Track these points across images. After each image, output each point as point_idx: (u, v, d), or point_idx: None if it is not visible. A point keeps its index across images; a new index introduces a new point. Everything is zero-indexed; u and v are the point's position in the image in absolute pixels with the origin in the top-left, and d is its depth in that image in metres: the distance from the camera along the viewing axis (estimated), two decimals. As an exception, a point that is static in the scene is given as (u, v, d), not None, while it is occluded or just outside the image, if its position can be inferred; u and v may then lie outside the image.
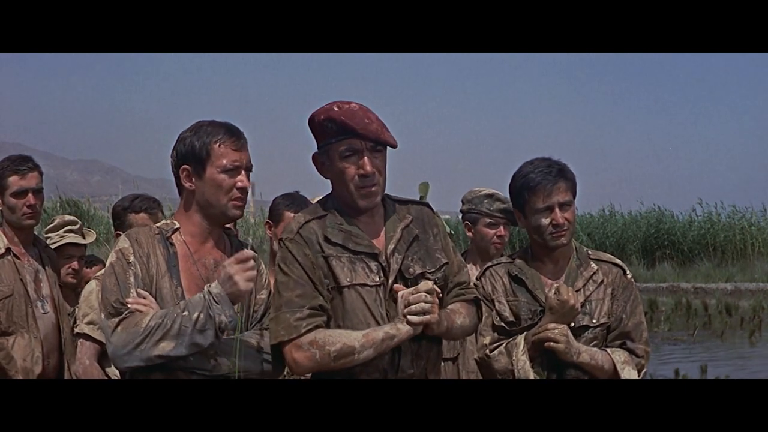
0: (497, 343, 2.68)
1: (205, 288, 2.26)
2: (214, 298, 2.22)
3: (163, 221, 2.46)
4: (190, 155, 2.32)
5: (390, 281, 2.37)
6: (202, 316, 2.20)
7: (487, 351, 2.67)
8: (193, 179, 2.34)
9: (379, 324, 2.31)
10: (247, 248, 2.37)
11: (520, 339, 2.63)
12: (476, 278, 2.78)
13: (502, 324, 2.70)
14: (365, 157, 2.32)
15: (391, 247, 2.39)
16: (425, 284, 2.32)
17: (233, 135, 2.35)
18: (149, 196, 3.58)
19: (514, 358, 2.61)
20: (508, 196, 2.86)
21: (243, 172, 2.34)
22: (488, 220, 3.55)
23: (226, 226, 2.50)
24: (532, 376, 2.59)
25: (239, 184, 2.33)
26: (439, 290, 2.36)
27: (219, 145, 2.31)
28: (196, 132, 2.34)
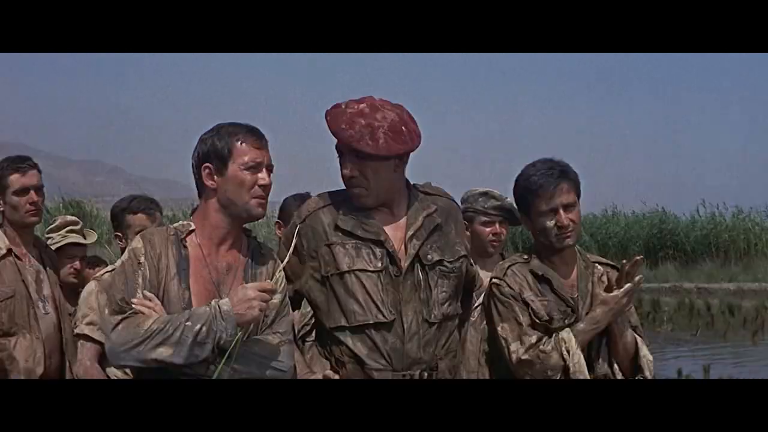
0: (543, 340, 2.64)
1: (214, 302, 2.26)
2: (221, 314, 2.23)
3: (180, 222, 2.47)
4: (212, 154, 2.34)
5: (405, 265, 2.49)
6: (204, 329, 2.21)
7: (541, 347, 2.61)
8: (215, 177, 2.35)
9: (379, 308, 2.45)
10: (264, 249, 2.45)
11: (570, 335, 2.62)
12: (499, 277, 2.74)
13: (543, 322, 2.65)
14: (345, 161, 2.49)
15: (410, 233, 2.51)
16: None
17: (254, 134, 2.37)
18: (147, 197, 3.61)
19: (569, 353, 2.60)
20: (509, 196, 2.90)
21: (264, 169, 2.36)
22: (484, 218, 3.57)
23: (245, 226, 2.48)
24: (586, 371, 2.60)
25: (261, 182, 2.34)
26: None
27: (241, 143, 2.34)
28: (217, 132, 2.37)
